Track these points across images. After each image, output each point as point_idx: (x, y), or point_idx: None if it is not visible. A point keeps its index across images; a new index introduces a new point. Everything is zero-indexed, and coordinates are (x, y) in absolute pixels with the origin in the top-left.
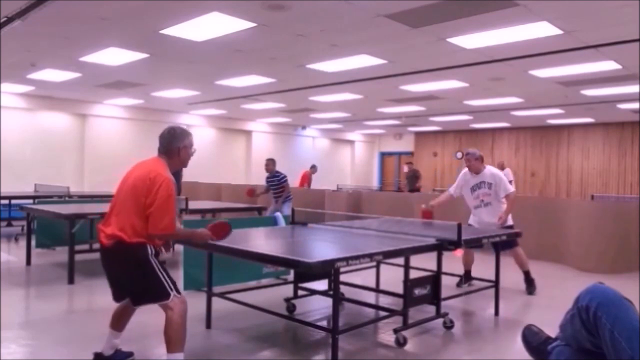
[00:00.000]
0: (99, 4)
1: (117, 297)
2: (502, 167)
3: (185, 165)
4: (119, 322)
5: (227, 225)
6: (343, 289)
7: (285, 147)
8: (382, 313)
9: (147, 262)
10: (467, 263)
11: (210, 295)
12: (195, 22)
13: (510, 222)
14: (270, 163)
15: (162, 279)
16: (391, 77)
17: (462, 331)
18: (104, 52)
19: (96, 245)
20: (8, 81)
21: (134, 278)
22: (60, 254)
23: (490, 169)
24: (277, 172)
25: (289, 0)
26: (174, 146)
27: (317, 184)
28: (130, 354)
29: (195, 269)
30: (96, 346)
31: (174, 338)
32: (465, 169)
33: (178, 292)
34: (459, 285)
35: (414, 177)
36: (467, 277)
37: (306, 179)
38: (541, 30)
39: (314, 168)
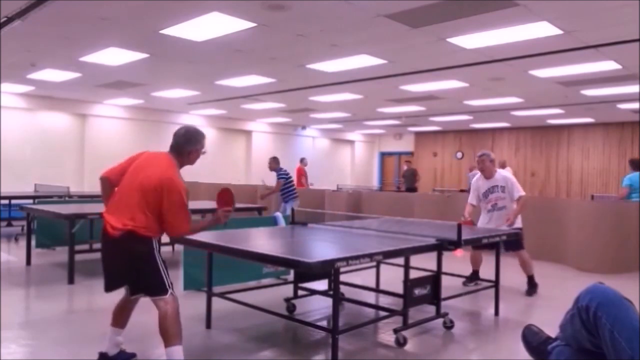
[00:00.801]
0: (99, 4)
1: (109, 287)
2: (503, 166)
3: (192, 164)
4: (119, 318)
5: (227, 190)
6: (343, 289)
7: (285, 147)
8: (382, 313)
9: (153, 256)
10: (475, 263)
11: (210, 295)
12: (195, 22)
13: (519, 224)
14: (272, 161)
15: (163, 275)
16: (391, 77)
17: (462, 331)
18: (104, 52)
19: (96, 245)
20: (8, 81)
21: (138, 270)
22: (60, 254)
23: (501, 172)
24: (280, 168)
25: (289, 0)
26: (187, 148)
27: (317, 184)
28: (133, 354)
29: (195, 269)
30: (96, 346)
31: (171, 331)
32: (477, 175)
33: (173, 289)
34: (465, 284)
35: (412, 176)
36: (474, 276)
37: (302, 172)
38: (541, 30)
39: (303, 161)
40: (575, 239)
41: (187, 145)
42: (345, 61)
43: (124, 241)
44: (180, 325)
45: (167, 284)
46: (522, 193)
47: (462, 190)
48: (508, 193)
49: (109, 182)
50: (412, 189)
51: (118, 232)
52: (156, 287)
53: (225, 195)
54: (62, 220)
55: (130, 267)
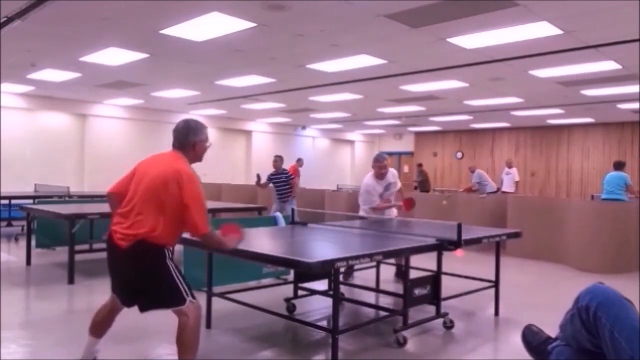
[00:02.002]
0: (99, 4)
1: (127, 302)
2: (510, 166)
3: (200, 160)
4: (99, 328)
5: (236, 225)
6: (343, 289)
7: (285, 147)
8: (382, 313)
9: (165, 264)
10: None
11: (210, 295)
12: (195, 22)
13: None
14: (278, 160)
15: (179, 284)
16: (391, 77)
17: (462, 331)
18: (104, 52)
19: (96, 246)
20: (8, 81)
21: (151, 281)
22: (60, 254)
23: (390, 170)
24: (284, 169)
25: (289, 0)
26: (190, 140)
27: (317, 183)
28: None
29: (195, 269)
30: (99, 345)
31: (188, 345)
32: (368, 179)
33: (193, 297)
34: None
35: (426, 182)
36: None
37: (295, 172)
38: (541, 30)
39: (300, 161)
40: (575, 239)
41: (189, 136)
42: (345, 61)
43: (133, 252)
44: (198, 338)
45: (183, 293)
46: (400, 186)
47: (464, 190)
48: (394, 188)
49: (116, 197)
50: (425, 191)
51: (127, 242)
52: (172, 298)
53: (237, 228)
54: (62, 220)
55: (143, 280)
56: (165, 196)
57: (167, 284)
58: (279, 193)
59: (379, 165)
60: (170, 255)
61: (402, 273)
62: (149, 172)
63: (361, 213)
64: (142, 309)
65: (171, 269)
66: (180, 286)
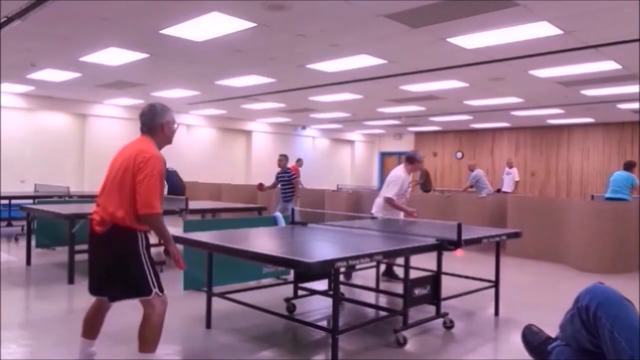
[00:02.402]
0: (99, 4)
1: (95, 290)
2: (510, 166)
3: (170, 142)
4: (91, 329)
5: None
6: (343, 289)
7: (285, 147)
8: (382, 313)
9: (137, 251)
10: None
11: (210, 295)
12: (195, 22)
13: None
14: (283, 159)
15: (147, 273)
16: (391, 77)
17: (462, 331)
18: (104, 52)
19: None
20: (8, 81)
21: (120, 265)
22: (60, 254)
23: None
24: (289, 168)
25: (289, 0)
26: (157, 123)
27: (317, 183)
28: None
29: (195, 269)
30: (96, 346)
31: (150, 337)
32: (401, 172)
33: (161, 290)
34: (383, 275)
35: (427, 181)
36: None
37: (295, 172)
38: (541, 30)
39: (300, 161)
40: (575, 239)
41: (155, 119)
42: (345, 61)
43: (107, 236)
44: (158, 334)
45: (151, 284)
46: None
47: (463, 190)
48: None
49: None
50: (426, 191)
51: (102, 227)
52: (138, 287)
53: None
54: (62, 220)
55: (112, 265)
56: (127, 177)
57: (135, 270)
58: (282, 193)
59: (419, 159)
60: (145, 244)
61: (390, 272)
62: (118, 159)
63: (374, 208)
64: (112, 298)
65: (143, 257)
66: (149, 276)
